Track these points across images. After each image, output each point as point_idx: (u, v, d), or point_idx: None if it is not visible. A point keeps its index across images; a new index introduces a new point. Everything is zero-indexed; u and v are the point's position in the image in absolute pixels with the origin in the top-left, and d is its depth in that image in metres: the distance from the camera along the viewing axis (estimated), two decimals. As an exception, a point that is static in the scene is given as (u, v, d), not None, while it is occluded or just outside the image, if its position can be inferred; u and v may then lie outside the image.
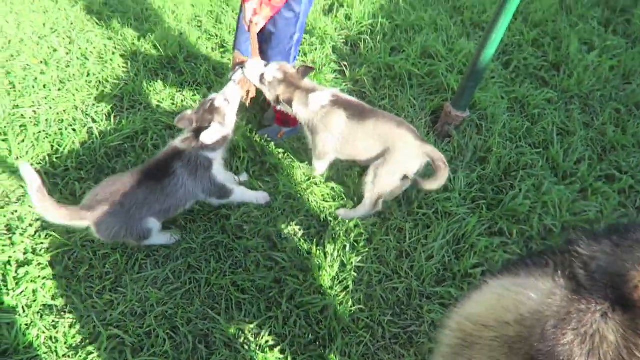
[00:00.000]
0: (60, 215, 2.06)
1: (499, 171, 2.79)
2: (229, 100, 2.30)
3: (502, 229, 2.53)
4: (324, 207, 2.59)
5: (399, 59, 3.46)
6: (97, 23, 3.83)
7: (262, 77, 2.40)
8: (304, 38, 3.69)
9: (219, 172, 2.37)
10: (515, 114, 3.17)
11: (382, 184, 2.37)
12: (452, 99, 2.98)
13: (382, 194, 2.42)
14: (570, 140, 3.01)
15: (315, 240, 2.41)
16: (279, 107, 2.52)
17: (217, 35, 3.74)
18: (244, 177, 2.68)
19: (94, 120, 2.97)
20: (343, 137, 2.39)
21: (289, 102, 2.38)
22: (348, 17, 4.02)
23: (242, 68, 2.41)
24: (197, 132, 2.22)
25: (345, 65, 3.47)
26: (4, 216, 2.47)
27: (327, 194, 2.67)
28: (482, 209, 2.60)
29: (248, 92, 2.63)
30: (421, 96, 3.22)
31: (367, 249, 2.40)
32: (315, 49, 3.59)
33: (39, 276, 2.22)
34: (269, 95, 2.46)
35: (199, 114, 2.27)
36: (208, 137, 2.19)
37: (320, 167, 2.64)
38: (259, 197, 2.56)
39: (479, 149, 2.90)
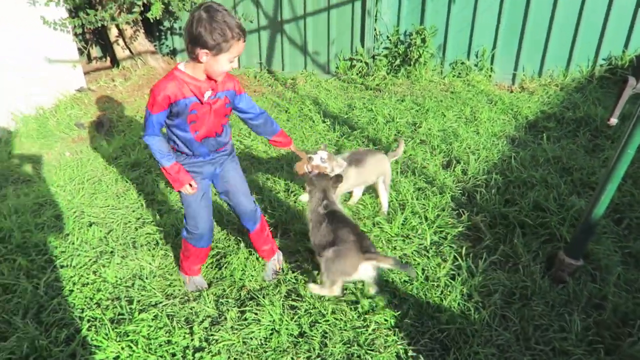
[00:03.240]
0: None
1: (616, 318, 2.95)
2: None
3: (622, 374, 2.63)
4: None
5: (512, 210, 3.89)
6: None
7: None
8: (426, 187, 4.32)
9: None
10: (630, 268, 3.36)
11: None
12: (564, 247, 3.29)
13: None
14: (691, 297, 3.10)
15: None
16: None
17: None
18: None
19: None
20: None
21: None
22: (464, 172, 4.62)
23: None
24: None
25: (462, 212, 3.97)
26: (185, 310, 3.11)
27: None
28: (600, 352, 2.74)
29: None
30: (535, 244, 3.56)
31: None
32: (435, 196, 4.17)
33: (210, 362, 2.75)
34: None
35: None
36: None
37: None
38: None
39: (594, 296, 3.10)
